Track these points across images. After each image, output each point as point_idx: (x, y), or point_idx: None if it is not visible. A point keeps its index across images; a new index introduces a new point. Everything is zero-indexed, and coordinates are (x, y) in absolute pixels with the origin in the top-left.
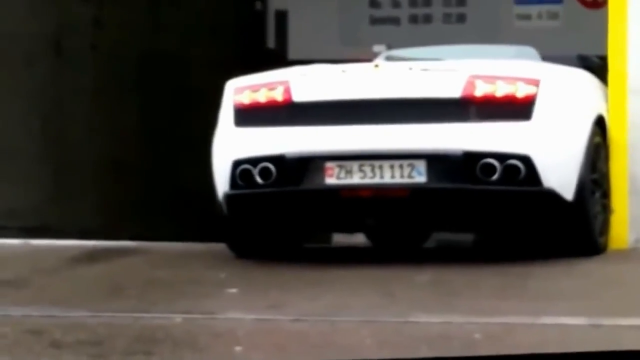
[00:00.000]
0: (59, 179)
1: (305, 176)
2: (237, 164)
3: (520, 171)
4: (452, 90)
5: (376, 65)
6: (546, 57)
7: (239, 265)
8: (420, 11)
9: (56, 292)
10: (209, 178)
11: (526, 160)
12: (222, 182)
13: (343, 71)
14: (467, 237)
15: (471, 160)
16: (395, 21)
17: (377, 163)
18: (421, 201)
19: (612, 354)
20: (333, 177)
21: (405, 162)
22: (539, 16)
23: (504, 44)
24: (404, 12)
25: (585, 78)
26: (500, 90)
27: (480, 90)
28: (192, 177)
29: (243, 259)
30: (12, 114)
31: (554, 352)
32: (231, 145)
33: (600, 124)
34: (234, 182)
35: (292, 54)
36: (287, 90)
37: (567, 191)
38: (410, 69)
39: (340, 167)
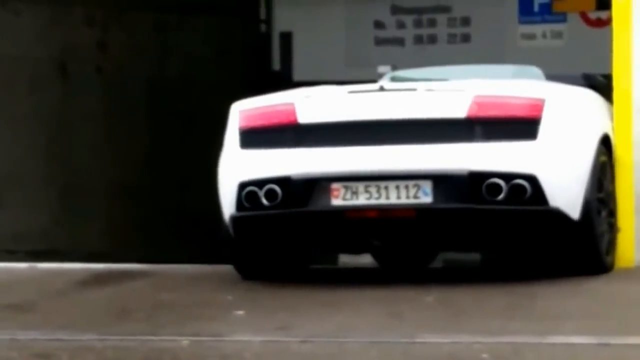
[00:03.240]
0: (66, 203)
1: (311, 197)
2: (243, 185)
3: (526, 191)
4: (457, 110)
5: (381, 86)
6: (551, 77)
7: (245, 287)
8: (425, 32)
9: (63, 316)
10: (216, 201)
11: (532, 179)
12: (228, 204)
13: (348, 92)
14: (473, 257)
15: (477, 180)
16: (400, 42)
17: (382, 184)
18: (427, 221)
19: None
20: (339, 198)
21: (411, 183)
22: (544, 35)
23: (509, 63)
24: (409, 32)
25: (590, 97)
26: (506, 110)
27: (486, 110)
28: (198, 200)
29: (250, 280)
30: (18, 138)
31: None
32: (237, 167)
33: (605, 142)
34: (240, 204)
35: (297, 76)
36: (292, 112)
37: (574, 210)
38: (415, 89)
39: (346, 188)
